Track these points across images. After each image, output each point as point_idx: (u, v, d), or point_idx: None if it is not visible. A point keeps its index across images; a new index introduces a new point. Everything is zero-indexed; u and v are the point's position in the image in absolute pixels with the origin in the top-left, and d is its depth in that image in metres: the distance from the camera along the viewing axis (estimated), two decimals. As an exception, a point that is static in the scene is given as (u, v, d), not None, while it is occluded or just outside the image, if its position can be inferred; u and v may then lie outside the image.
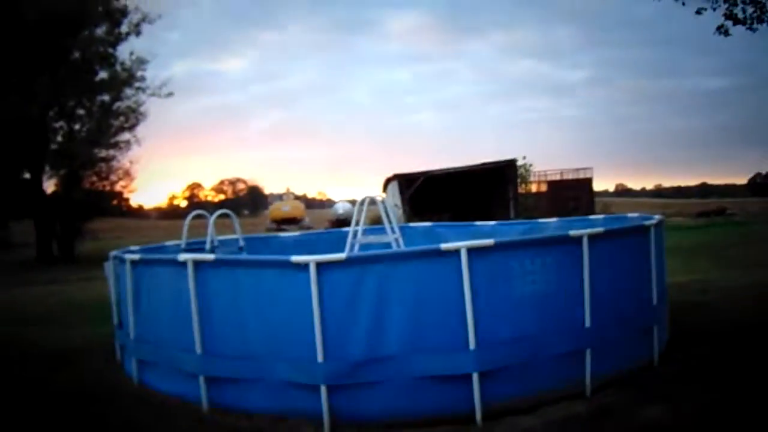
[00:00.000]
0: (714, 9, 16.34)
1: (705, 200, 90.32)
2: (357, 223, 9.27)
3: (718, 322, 9.70)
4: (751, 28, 16.23)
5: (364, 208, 9.23)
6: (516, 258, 6.71)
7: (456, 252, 6.41)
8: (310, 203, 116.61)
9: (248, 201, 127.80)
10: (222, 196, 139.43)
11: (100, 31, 36.76)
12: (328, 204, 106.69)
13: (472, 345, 6.41)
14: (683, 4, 16.36)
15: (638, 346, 7.77)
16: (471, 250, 6.42)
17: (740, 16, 16.27)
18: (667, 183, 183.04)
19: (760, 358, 7.83)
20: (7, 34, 32.06)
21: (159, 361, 7.93)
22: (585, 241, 6.95)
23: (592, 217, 12.26)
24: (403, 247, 8.97)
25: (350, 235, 9.11)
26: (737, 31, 16.52)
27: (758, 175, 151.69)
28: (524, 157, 47.73)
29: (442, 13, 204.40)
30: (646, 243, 7.95)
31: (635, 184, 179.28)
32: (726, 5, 16.23)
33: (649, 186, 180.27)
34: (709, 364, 7.72)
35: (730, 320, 9.78)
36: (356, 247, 9.07)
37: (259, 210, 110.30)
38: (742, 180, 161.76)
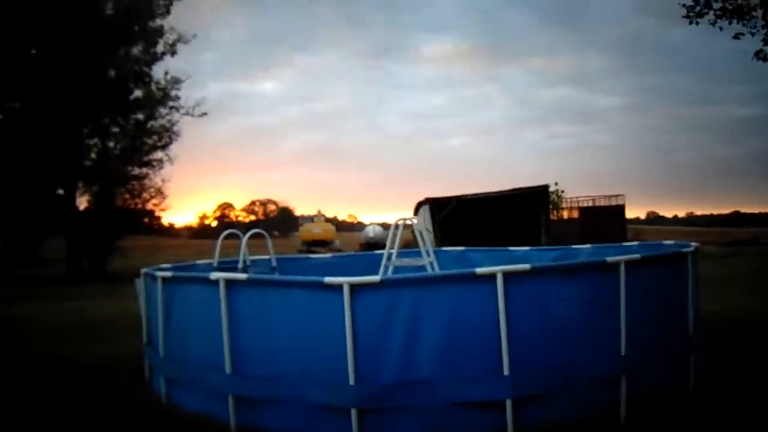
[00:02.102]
0: (752, 34, 16.27)
1: (737, 229, 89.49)
2: (391, 246, 9.21)
3: (749, 351, 9.59)
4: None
5: (399, 230, 9.17)
6: (552, 284, 6.63)
7: (492, 276, 6.34)
8: (341, 226, 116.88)
9: (279, 222, 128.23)
10: (253, 217, 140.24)
11: (136, 50, 37.04)
12: (359, 227, 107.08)
13: (506, 371, 6.32)
14: (720, 29, 16.31)
15: (674, 374, 7.65)
16: (507, 275, 6.34)
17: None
18: (699, 211, 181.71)
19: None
20: (47, 49, 32.40)
21: (188, 380, 7.89)
22: (622, 267, 6.85)
23: (626, 243, 12.12)
24: (437, 271, 8.90)
25: (384, 258, 9.05)
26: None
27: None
28: (556, 183, 47.60)
29: (477, 38, 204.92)
30: (683, 271, 7.84)
31: (667, 212, 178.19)
32: (765, 30, 16.16)
33: (681, 214, 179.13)
34: (743, 392, 7.61)
35: (760, 350, 9.67)
36: (390, 270, 9.01)
37: (289, 231, 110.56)
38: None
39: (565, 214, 50.10)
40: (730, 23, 16.21)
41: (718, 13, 16.15)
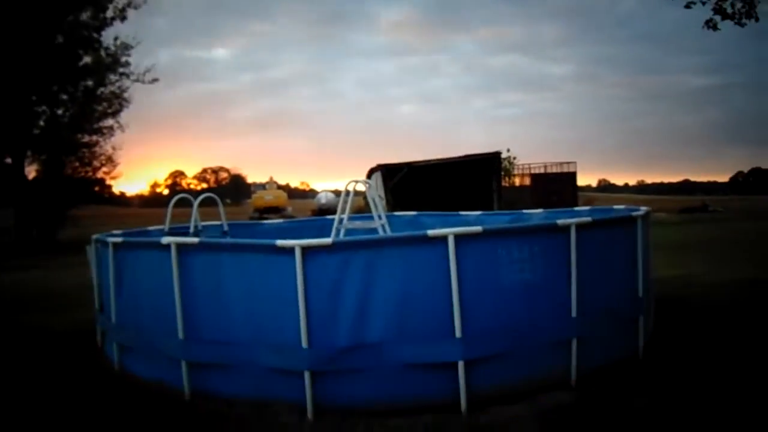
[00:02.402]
0: (703, 3, 16.35)
1: (688, 197, 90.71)
2: (343, 209, 9.20)
3: (700, 315, 9.75)
4: (739, 23, 16.25)
5: (351, 193, 9.16)
6: (504, 246, 6.66)
7: (443, 239, 6.35)
8: (293, 193, 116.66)
9: (231, 189, 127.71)
10: (204, 185, 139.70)
11: (85, 15, 36.44)
12: (311, 194, 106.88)
13: (458, 333, 6.36)
14: (672, -1, 16.36)
15: (624, 336, 7.74)
16: (459, 237, 6.36)
17: (729, 10, 16.28)
18: (650, 179, 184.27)
19: (739, 351, 7.87)
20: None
21: (140, 346, 7.84)
22: (573, 230, 6.90)
23: (577, 208, 12.23)
24: (389, 233, 8.91)
25: (336, 221, 9.04)
26: (726, 27, 16.54)
27: (740, 173, 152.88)
28: (508, 150, 47.98)
29: (429, 7, 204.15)
30: (633, 234, 7.92)
31: (618, 180, 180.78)
32: (715, 0, 16.25)
33: (632, 182, 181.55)
34: (693, 356, 7.72)
35: (712, 314, 9.84)
36: (342, 233, 9.01)
37: (241, 199, 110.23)
38: (724, 178, 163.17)
39: (517, 181, 50.58)
40: (681, -8, 16.24)
41: (669, -19, 16.18)
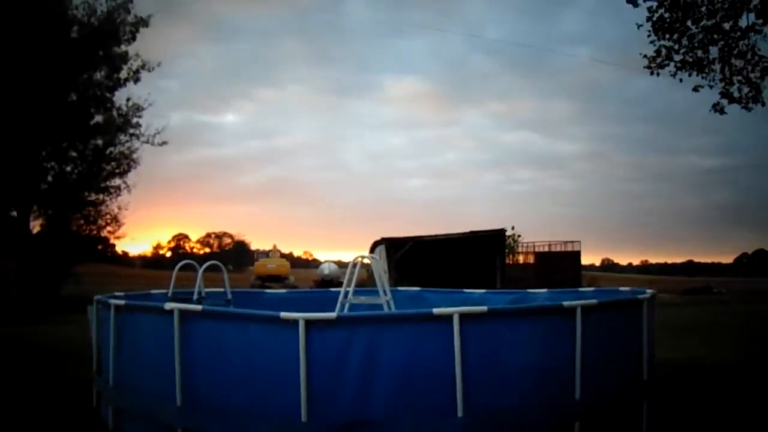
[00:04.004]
0: (711, 87, 16.55)
1: (691, 278, 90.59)
2: (348, 284, 9.18)
3: (704, 397, 9.72)
4: (746, 108, 16.46)
5: (357, 268, 9.14)
6: (508, 326, 6.62)
7: (448, 317, 6.31)
8: (296, 262, 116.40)
9: (233, 256, 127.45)
10: (207, 249, 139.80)
11: (99, 75, 36.87)
12: (314, 264, 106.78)
13: (460, 413, 6.28)
14: (681, 80, 16.55)
15: (628, 419, 7.66)
16: (464, 316, 6.31)
17: (736, 95, 16.48)
18: (654, 260, 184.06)
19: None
20: (8, 69, 32.07)
21: (137, 411, 7.75)
22: (578, 312, 6.86)
23: (582, 289, 12.20)
24: (394, 310, 8.88)
25: (341, 295, 9.01)
26: (733, 111, 16.72)
27: (744, 254, 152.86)
28: (513, 228, 48.09)
29: (441, 81, 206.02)
30: (638, 317, 7.88)
31: (621, 260, 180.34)
32: (722, 84, 16.43)
33: (636, 261, 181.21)
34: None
35: (715, 396, 9.81)
36: (346, 307, 8.97)
37: (244, 265, 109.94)
38: (728, 259, 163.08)
39: (521, 259, 50.53)
40: (689, 75, 16.45)
41: (678, 65, 16.38)
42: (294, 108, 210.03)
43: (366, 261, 9.49)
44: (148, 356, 7.57)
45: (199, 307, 7.43)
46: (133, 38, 37.13)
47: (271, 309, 7.31)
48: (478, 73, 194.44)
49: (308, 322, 6.33)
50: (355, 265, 9.15)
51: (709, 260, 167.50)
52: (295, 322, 6.33)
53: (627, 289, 10.36)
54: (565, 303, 7.00)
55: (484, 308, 6.57)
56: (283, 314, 6.43)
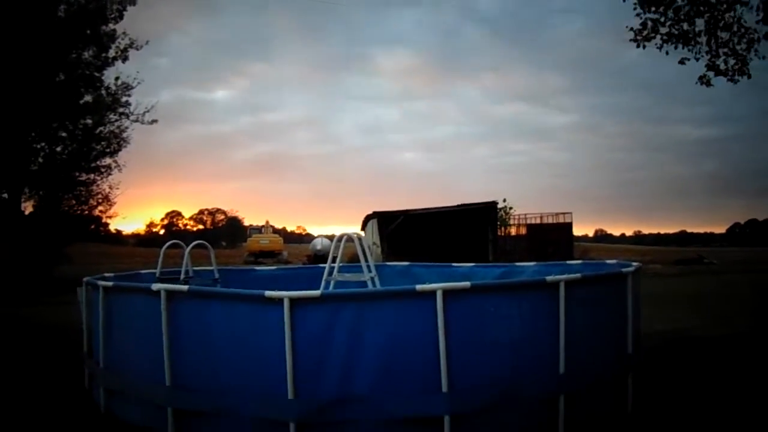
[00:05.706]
0: (697, 59, 16.55)
1: (683, 248, 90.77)
2: (333, 260, 9.23)
3: (692, 370, 9.76)
4: (732, 80, 16.48)
5: (341, 245, 9.20)
6: (492, 302, 6.68)
7: (432, 294, 6.36)
8: (289, 237, 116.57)
9: (227, 232, 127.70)
10: (201, 226, 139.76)
11: (87, 54, 36.62)
12: (308, 238, 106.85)
13: (444, 388, 6.35)
14: (667, 53, 16.55)
15: (612, 393, 7.74)
16: (447, 293, 6.37)
17: (722, 67, 16.51)
18: (647, 230, 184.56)
19: (727, 406, 7.90)
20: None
21: (127, 391, 7.81)
22: (562, 287, 6.91)
23: (569, 262, 12.24)
24: (378, 287, 8.93)
25: (326, 273, 9.06)
26: (724, 82, 16.75)
27: (737, 224, 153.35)
28: (504, 200, 48.12)
29: (433, 53, 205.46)
30: (623, 290, 7.94)
31: (615, 230, 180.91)
32: (708, 56, 16.45)
33: (629, 232, 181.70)
34: (683, 412, 7.73)
35: (704, 369, 9.85)
36: (331, 285, 9.03)
37: (237, 241, 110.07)
38: (721, 229, 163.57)
39: (513, 231, 50.61)
40: (676, 48, 16.45)
41: (664, 37, 16.37)
42: (285, 82, 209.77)
43: (353, 236, 9.51)
44: (137, 337, 7.62)
45: (185, 288, 7.46)
46: (120, 17, 36.82)
47: (260, 286, 7.36)
48: (470, 45, 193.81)
49: (293, 301, 6.38)
50: (340, 239, 9.20)
51: (702, 230, 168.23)
52: (280, 300, 6.38)
53: (613, 261, 10.41)
54: (548, 278, 7.04)
55: (467, 284, 6.58)
56: (268, 293, 6.46)
